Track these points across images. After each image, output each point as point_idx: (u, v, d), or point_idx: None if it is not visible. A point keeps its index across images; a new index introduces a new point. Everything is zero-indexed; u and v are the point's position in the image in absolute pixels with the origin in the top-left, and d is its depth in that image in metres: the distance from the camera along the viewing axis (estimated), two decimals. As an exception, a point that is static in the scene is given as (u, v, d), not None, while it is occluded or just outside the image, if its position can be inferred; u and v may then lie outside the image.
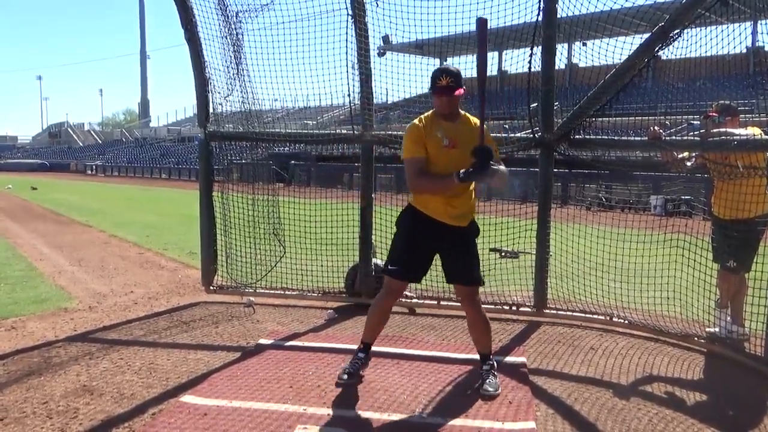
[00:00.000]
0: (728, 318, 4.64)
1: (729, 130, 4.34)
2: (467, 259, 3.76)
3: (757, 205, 4.37)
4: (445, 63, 4.37)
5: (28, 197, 22.84)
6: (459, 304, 4.26)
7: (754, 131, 4.30)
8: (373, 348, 4.06)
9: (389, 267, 3.82)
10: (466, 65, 5.98)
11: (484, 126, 3.60)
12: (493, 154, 3.49)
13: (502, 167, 3.56)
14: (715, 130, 4.39)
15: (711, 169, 4.63)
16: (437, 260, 3.84)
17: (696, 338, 4.66)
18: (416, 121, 3.71)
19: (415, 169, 3.61)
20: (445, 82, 3.58)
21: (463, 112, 3.76)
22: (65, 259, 8.72)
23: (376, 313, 3.93)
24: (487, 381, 3.76)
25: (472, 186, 3.73)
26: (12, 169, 53.43)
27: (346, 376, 3.86)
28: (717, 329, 4.66)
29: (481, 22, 3.49)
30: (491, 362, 3.88)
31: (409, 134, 3.69)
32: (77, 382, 3.91)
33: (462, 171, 3.44)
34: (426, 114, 3.74)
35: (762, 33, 4.15)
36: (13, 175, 44.44)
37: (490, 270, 5.26)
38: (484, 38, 3.48)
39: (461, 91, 3.59)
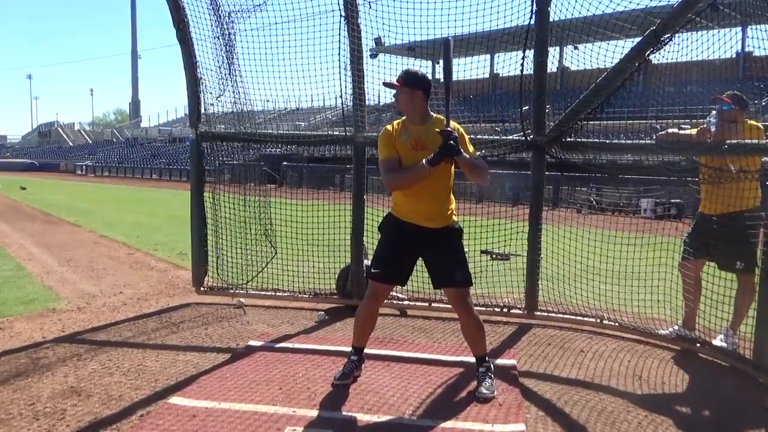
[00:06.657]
0: (730, 330, 4.57)
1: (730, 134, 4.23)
2: (450, 261, 3.73)
3: (745, 200, 4.35)
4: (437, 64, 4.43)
5: (17, 197, 22.65)
6: (450, 306, 4.26)
7: (758, 127, 4.26)
8: (364, 350, 4.05)
9: (372, 270, 3.84)
10: (457, 67, 6.04)
11: (460, 128, 3.69)
12: (459, 138, 3.52)
13: (479, 161, 3.65)
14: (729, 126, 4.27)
15: (702, 173, 4.60)
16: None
17: (686, 341, 4.68)
18: (388, 126, 3.79)
19: (387, 167, 3.66)
20: (395, 82, 3.74)
21: (435, 115, 3.78)
22: (54, 260, 8.65)
23: (360, 318, 3.94)
24: (483, 383, 3.74)
25: (450, 183, 3.72)
26: (1, 169, 52.96)
27: (340, 376, 3.87)
28: (724, 344, 4.51)
29: (445, 43, 3.64)
30: (487, 364, 3.86)
31: (381, 138, 3.77)
32: (65, 383, 3.88)
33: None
34: (399, 120, 3.81)
35: (751, 38, 4.15)
36: (1, 174, 44.03)
37: (481, 272, 5.27)
38: (448, 56, 3.63)
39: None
